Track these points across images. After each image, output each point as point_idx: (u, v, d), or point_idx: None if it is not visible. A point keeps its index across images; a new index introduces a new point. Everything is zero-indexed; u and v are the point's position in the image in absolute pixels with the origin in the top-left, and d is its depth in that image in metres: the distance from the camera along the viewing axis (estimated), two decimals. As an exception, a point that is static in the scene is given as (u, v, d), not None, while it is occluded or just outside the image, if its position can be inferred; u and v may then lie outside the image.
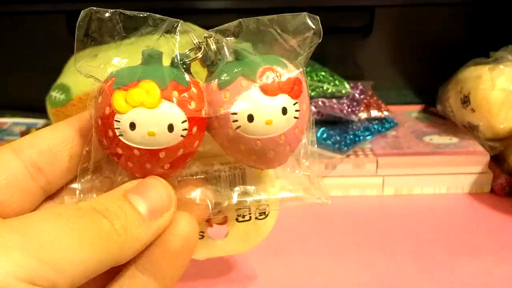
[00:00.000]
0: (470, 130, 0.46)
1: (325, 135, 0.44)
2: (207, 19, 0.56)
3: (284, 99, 0.20)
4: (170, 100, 0.19)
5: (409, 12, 0.55)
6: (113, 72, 0.21)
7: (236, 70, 0.21)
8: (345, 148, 0.43)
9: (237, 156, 0.22)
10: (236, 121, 0.20)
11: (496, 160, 0.44)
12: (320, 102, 0.45)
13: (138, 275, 0.20)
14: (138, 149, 0.20)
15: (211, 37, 0.22)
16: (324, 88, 0.46)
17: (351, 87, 0.47)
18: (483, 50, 0.46)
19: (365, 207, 0.42)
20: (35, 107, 0.50)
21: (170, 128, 0.19)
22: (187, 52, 0.22)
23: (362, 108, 0.48)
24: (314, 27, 0.23)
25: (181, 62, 0.21)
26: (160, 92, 0.19)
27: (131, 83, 0.20)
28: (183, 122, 0.19)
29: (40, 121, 0.54)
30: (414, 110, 0.54)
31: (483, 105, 0.43)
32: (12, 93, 0.58)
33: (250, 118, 0.20)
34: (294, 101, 0.21)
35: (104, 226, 0.18)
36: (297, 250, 0.36)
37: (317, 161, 0.25)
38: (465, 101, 0.45)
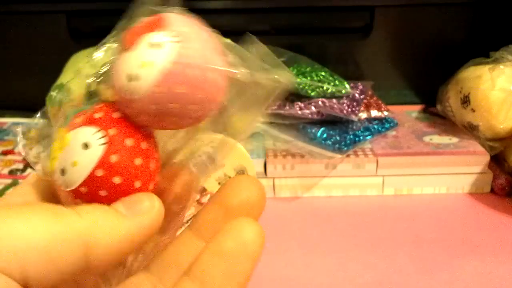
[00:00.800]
0: (470, 130, 0.46)
1: (325, 135, 0.44)
2: (207, 19, 0.56)
3: (150, 36, 0.17)
4: (73, 127, 0.18)
5: (409, 12, 0.55)
6: None
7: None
8: (345, 148, 0.43)
9: (165, 122, 0.19)
10: (126, 89, 0.17)
11: (496, 160, 0.44)
12: (320, 102, 0.45)
13: (186, 281, 0.18)
14: (81, 185, 0.17)
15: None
16: (324, 88, 0.46)
17: (351, 87, 0.47)
18: (483, 50, 0.46)
19: (365, 207, 0.42)
20: (35, 107, 0.49)
21: (85, 146, 0.17)
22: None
23: (362, 108, 0.48)
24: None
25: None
26: (65, 130, 0.18)
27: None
28: (94, 133, 0.17)
29: (40, 121, 0.54)
30: (414, 110, 0.54)
31: (483, 105, 0.43)
32: (12, 93, 0.58)
33: (129, 77, 0.17)
34: (164, 32, 0.17)
35: (69, 214, 0.16)
36: (297, 250, 0.36)
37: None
38: (465, 101, 0.45)
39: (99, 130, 0.17)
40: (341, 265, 0.34)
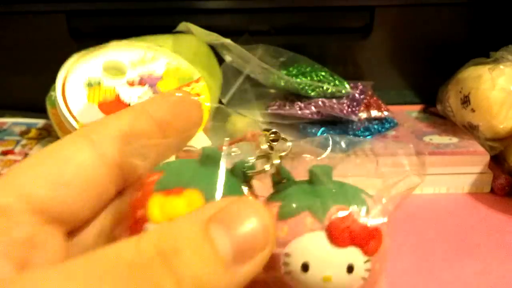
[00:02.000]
0: (470, 130, 0.46)
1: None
2: (207, 19, 0.56)
3: (353, 254, 0.17)
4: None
5: (409, 12, 0.55)
6: (164, 165, 0.17)
7: (303, 201, 0.18)
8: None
9: None
10: (288, 264, 0.16)
11: (496, 160, 0.44)
12: (320, 102, 0.45)
13: None
14: None
15: (283, 143, 0.19)
16: (324, 88, 0.46)
17: (351, 87, 0.47)
18: (483, 50, 0.46)
19: (365, 207, 0.42)
20: (35, 107, 0.50)
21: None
22: (253, 161, 0.18)
23: (362, 108, 0.48)
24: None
25: (243, 171, 0.18)
26: None
27: (175, 188, 0.16)
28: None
29: (40, 121, 0.54)
30: (414, 110, 0.54)
31: (483, 105, 0.43)
32: (12, 93, 0.58)
33: (305, 267, 0.16)
34: (366, 258, 0.17)
35: (166, 284, 0.13)
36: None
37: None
38: (465, 101, 0.45)
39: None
40: (341, 265, 0.34)
